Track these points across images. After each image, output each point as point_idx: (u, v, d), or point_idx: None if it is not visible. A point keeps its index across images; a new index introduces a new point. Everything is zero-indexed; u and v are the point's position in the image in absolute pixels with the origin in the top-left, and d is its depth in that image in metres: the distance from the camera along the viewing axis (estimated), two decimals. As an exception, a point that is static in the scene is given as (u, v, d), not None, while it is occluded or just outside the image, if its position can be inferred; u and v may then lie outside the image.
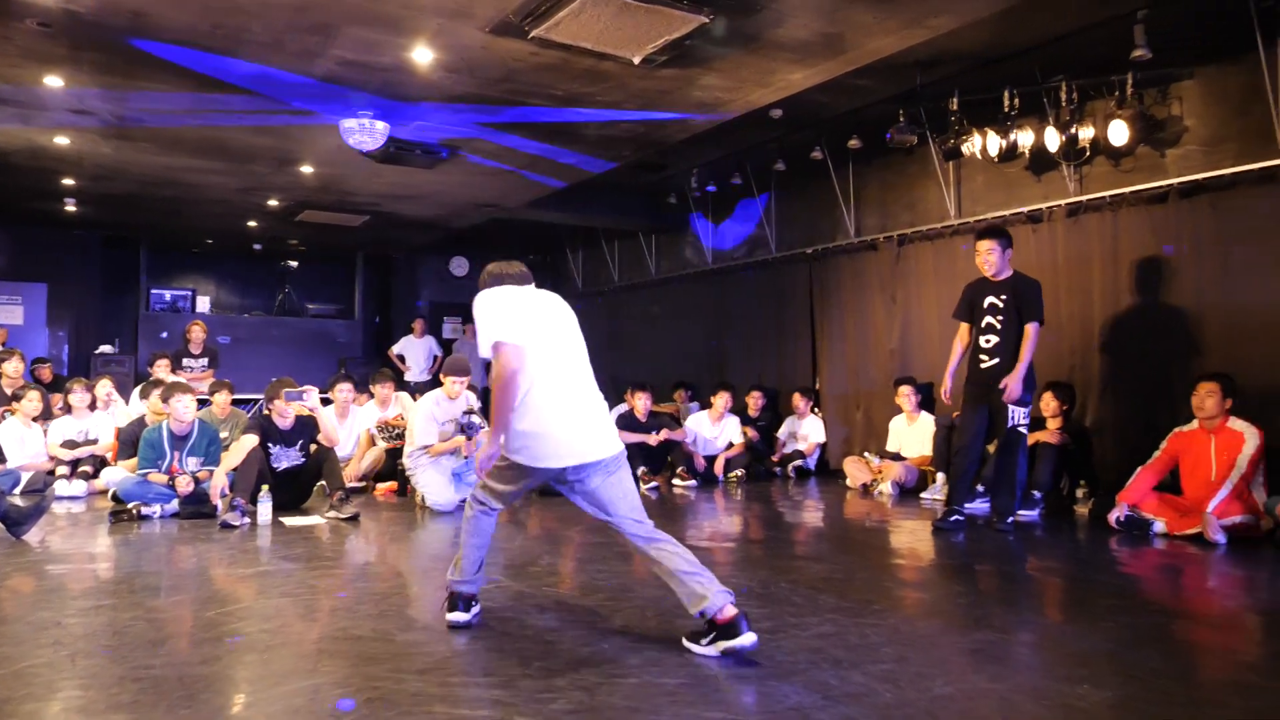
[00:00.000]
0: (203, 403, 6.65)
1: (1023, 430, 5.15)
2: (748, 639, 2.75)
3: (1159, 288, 5.86)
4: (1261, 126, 5.34)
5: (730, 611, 2.77)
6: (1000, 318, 5.21)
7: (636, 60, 5.29)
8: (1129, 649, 2.90)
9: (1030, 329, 5.12)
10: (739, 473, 7.64)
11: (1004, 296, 5.21)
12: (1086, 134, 6.07)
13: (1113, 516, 5.07)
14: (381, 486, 6.86)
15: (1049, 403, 5.94)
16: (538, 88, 5.94)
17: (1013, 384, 5.05)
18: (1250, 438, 4.84)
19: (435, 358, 11.35)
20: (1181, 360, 5.65)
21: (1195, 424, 5.06)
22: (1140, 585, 4.06)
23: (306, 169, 8.18)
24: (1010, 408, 5.10)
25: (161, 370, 7.81)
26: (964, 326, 5.42)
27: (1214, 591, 3.95)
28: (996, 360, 5.18)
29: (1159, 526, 4.91)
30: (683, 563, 2.88)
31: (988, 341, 5.25)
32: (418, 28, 4.99)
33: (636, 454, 7.33)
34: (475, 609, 3.18)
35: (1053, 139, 6.13)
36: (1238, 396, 4.99)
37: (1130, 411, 5.94)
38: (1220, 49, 5.53)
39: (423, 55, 5.37)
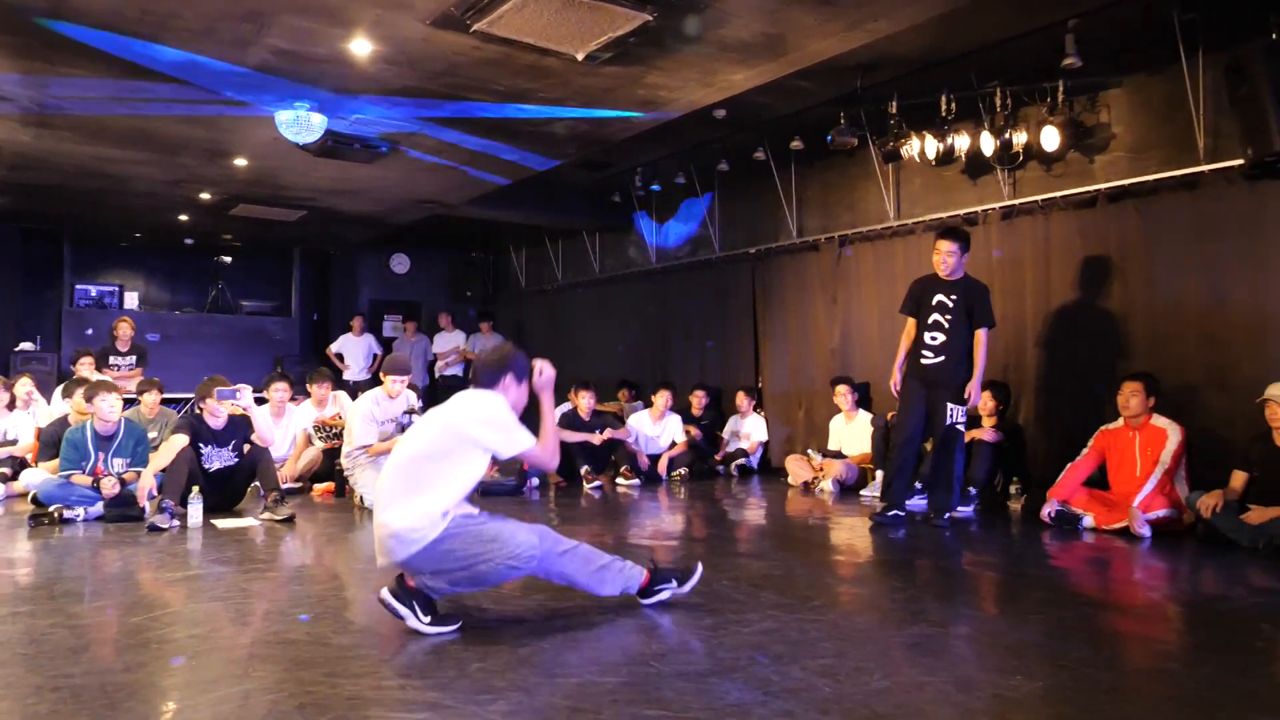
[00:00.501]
0: (129, 402, 6.42)
1: (960, 428, 5.26)
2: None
3: (1087, 289, 6.04)
4: (1184, 134, 5.54)
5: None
6: (949, 317, 5.27)
7: (580, 57, 5.26)
8: (1059, 640, 2.98)
9: (982, 334, 5.22)
10: (682, 471, 7.66)
11: (954, 297, 5.28)
12: (1020, 139, 6.22)
13: (1044, 512, 5.21)
14: (319, 487, 6.72)
15: (986, 401, 6.06)
16: (480, 83, 5.87)
17: (974, 390, 5.18)
18: (1173, 434, 5.02)
19: (375, 356, 11.15)
20: (1109, 359, 5.83)
21: (1121, 422, 5.23)
22: (1070, 578, 4.18)
23: (240, 161, 7.95)
24: (949, 406, 5.19)
25: (86, 368, 7.53)
26: (911, 322, 5.45)
27: (1139, 583, 4.09)
28: (942, 359, 5.26)
29: (1088, 521, 5.06)
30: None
31: (933, 339, 5.31)
32: (356, 18, 4.88)
33: (580, 453, 7.30)
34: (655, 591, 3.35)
35: (988, 143, 6.27)
36: (1161, 395, 5.18)
37: (1061, 409, 6.11)
38: (1146, 59, 5.72)
39: (361, 47, 5.26)
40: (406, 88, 5.97)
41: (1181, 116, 5.54)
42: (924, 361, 5.32)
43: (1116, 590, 4.01)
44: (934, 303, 5.32)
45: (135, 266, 13.08)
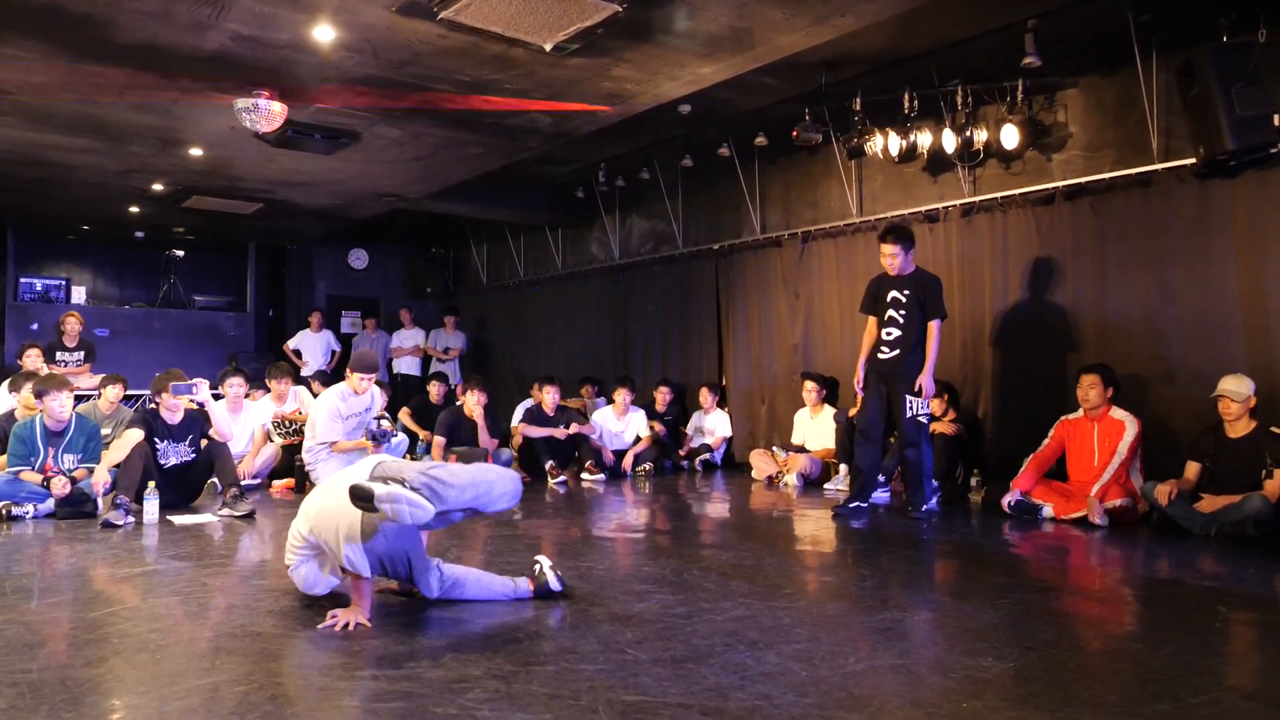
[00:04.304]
0: (80, 399, 6.24)
1: (923, 421, 5.33)
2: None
3: (1044, 285, 6.16)
4: (1137, 134, 5.68)
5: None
6: (903, 312, 5.36)
7: (548, 47, 5.23)
8: (1023, 623, 3.03)
9: (934, 326, 5.30)
10: (646, 467, 7.66)
11: (906, 291, 5.36)
12: (980, 137, 6.32)
13: (1005, 502, 5.31)
14: (278, 483, 6.60)
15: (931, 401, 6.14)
16: (444, 73, 5.80)
17: (926, 381, 5.25)
18: (1130, 426, 5.14)
19: (333, 353, 10.99)
20: (1064, 353, 5.96)
21: (1080, 413, 5.35)
22: (1031, 565, 4.26)
23: (194, 151, 7.77)
24: (908, 399, 5.27)
25: (32, 360, 7.29)
26: (871, 320, 5.53)
27: (1098, 569, 4.18)
28: (897, 352, 5.34)
29: (1047, 511, 5.17)
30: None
31: (889, 334, 5.40)
32: (319, 3, 4.79)
33: (544, 448, 7.26)
34: None
35: (949, 141, 6.36)
36: (1118, 386, 5.30)
37: (1018, 402, 6.22)
38: (1102, 60, 5.85)
39: (324, 33, 5.16)
40: (369, 77, 5.88)
41: (1136, 116, 5.68)
42: (880, 356, 5.43)
43: (1076, 576, 4.10)
44: (888, 299, 5.43)
45: (83, 259, 12.73)
